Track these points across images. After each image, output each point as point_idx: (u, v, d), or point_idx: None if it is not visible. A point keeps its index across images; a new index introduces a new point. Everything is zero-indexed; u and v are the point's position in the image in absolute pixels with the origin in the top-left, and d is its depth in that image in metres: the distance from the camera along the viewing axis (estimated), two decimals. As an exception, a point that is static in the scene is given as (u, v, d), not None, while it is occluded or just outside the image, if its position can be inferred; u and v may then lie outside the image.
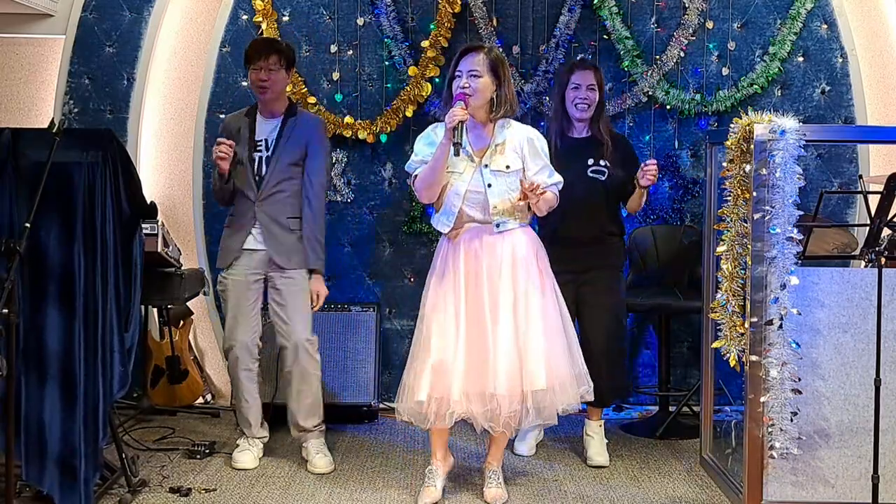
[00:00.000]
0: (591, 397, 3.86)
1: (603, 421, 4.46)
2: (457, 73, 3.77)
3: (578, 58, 4.98)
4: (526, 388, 3.69)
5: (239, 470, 4.20)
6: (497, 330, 3.71)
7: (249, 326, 4.29)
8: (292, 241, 4.25)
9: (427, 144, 3.83)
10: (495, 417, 3.70)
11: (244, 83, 5.29)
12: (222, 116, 5.30)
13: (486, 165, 3.77)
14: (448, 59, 4.06)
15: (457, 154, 3.66)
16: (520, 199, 3.74)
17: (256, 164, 4.25)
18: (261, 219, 4.23)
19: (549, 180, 3.84)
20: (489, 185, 3.76)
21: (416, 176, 3.83)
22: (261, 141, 4.27)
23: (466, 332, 3.73)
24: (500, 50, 3.88)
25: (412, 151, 3.90)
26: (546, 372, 3.70)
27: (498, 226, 3.78)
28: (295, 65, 4.43)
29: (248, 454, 4.27)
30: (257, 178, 4.24)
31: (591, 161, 4.35)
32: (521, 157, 3.82)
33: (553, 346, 3.76)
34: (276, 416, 4.53)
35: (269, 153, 4.24)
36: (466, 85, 3.72)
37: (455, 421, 3.73)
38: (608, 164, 4.35)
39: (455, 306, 3.75)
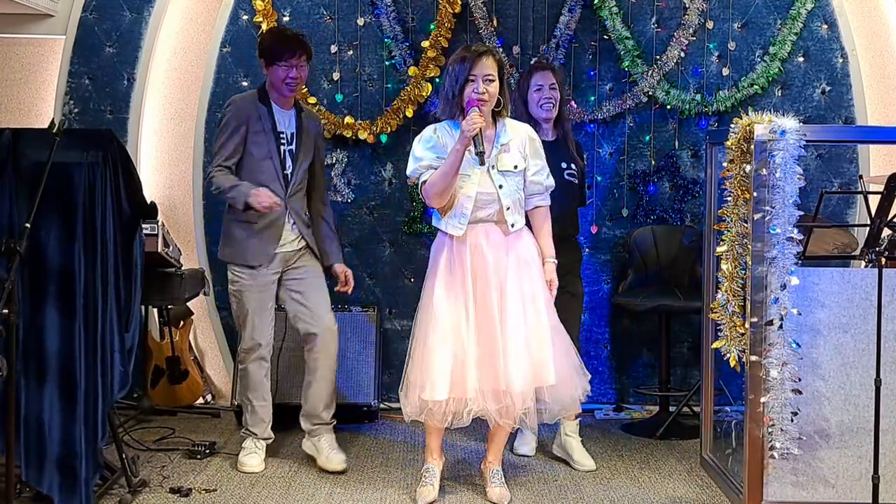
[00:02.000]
0: (589, 392, 3.90)
1: (578, 420, 4.45)
2: (471, 78, 3.69)
3: (534, 60, 4.96)
4: (538, 384, 3.72)
5: (246, 473, 4.17)
6: (507, 327, 3.72)
7: (270, 328, 4.29)
8: (311, 234, 4.32)
9: (430, 149, 3.77)
10: (509, 413, 3.71)
11: (244, 83, 5.29)
12: (222, 116, 5.31)
13: (493, 166, 3.77)
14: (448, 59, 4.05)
15: (482, 164, 3.65)
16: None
17: (282, 157, 4.19)
18: (292, 215, 4.22)
19: (547, 181, 3.90)
20: (500, 187, 3.76)
21: (423, 182, 3.77)
22: (283, 133, 4.22)
23: (477, 330, 3.73)
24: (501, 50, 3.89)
25: (411, 153, 3.87)
26: (555, 368, 3.74)
27: (513, 226, 3.79)
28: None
29: (255, 457, 4.23)
30: (285, 172, 4.19)
31: (563, 164, 4.34)
32: (524, 157, 3.83)
33: (558, 344, 3.80)
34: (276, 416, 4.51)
35: (294, 148, 4.21)
36: (484, 91, 3.69)
37: (472, 419, 3.73)
38: (574, 169, 4.38)
39: (465, 304, 3.74)
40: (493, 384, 3.69)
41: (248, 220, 4.15)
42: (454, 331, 3.73)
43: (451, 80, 3.75)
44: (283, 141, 4.19)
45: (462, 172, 3.72)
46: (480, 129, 3.60)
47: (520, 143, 3.83)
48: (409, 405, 3.77)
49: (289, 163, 4.20)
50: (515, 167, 3.79)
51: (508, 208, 3.78)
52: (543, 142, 4.36)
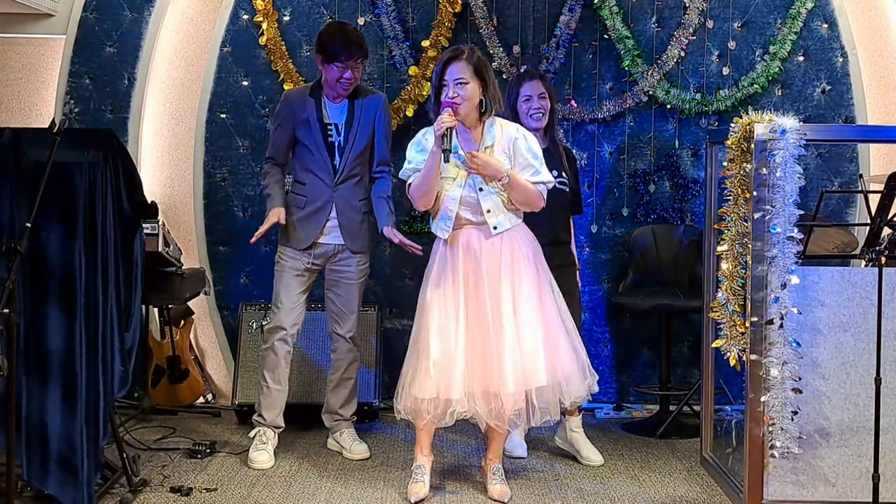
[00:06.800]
0: (596, 388, 3.90)
1: (581, 415, 4.46)
2: (443, 83, 3.79)
3: (523, 68, 4.92)
4: (529, 386, 3.72)
5: (256, 470, 4.19)
6: (499, 329, 3.74)
7: (297, 312, 4.37)
8: (361, 222, 4.38)
9: (419, 151, 3.86)
10: (500, 416, 3.73)
11: (244, 83, 5.29)
12: (223, 116, 5.31)
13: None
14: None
15: (447, 160, 3.71)
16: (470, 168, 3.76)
17: (329, 149, 4.31)
18: (338, 204, 4.32)
19: (532, 178, 3.85)
20: (480, 189, 3.80)
21: (410, 184, 3.87)
22: (331, 125, 4.32)
23: (467, 333, 3.76)
24: (478, 49, 3.86)
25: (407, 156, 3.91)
26: (547, 368, 3.74)
27: (495, 228, 3.81)
28: None
29: (264, 453, 4.26)
30: (333, 163, 4.31)
31: (554, 173, 4.32)
32: (509, 157, 3.84)
33: (553, 342, 3.80)
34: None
35: (342, 138, 4.31)
36: (455, 95, 3.76)
37: (456, 420, 3.76)
38: (566, 177, 4.37)
39: (455, 307, 3.78)
40: (484, 386, 3.72)
41: (297, 205, 4.35)
42: (443, 332, 3.77)
43: (433, 84, 3.87)
44: (329, 132, 4.31)
45: (446, 175, 3.80)
46: (451, 129, 3.67)
47: (505, 145, 3.84)
48: (401, 404, 3.83)
49: (336, 154, 4.31)
50: None
51: (489, 210, 3.81)
52: None
